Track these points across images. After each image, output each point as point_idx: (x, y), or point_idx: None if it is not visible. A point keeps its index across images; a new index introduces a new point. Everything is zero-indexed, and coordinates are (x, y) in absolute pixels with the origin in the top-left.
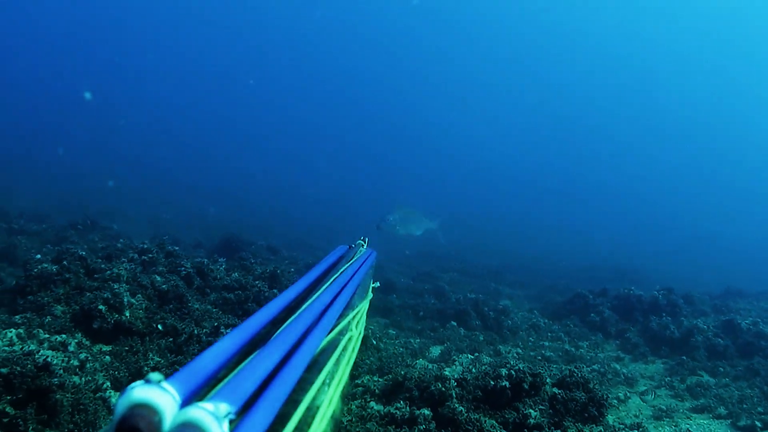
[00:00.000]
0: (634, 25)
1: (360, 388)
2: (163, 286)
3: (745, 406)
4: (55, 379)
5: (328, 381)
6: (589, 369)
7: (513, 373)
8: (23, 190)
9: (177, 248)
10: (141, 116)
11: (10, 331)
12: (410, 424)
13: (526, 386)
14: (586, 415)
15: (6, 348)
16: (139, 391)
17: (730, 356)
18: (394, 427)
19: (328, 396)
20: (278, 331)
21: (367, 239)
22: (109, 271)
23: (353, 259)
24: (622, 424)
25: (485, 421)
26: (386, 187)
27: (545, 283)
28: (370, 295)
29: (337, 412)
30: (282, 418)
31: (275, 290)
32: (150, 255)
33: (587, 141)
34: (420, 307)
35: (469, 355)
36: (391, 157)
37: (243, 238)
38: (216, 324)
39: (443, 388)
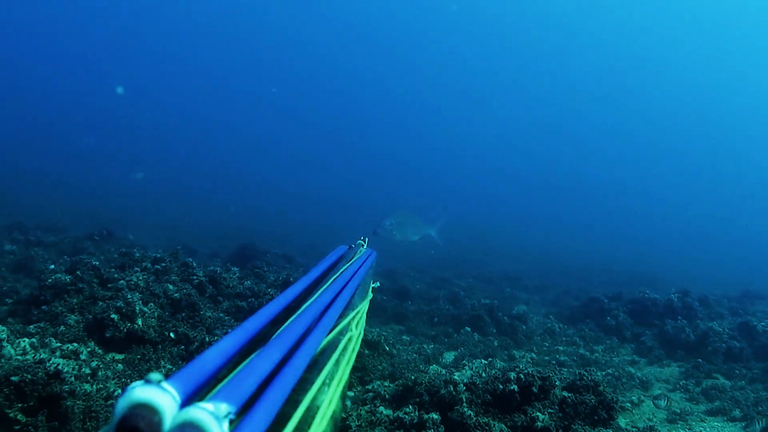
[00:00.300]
0: (640, 23)
1: (370, 394)
2: (176, 295)
3: (760, 408)
4: (66, 387)
5: (328, 381)
6: (603, 373)
7: (522, 377)
8: (40, 202)
9: (190, 258)
10: (149, 124)
11: (24, 341)
12: (419, 429)
13: (535, 390)
14: (596, 417)
15: (19, 357)
16: (139, 391)
17: (746, 359)
18: (402, 431)
19: (328, 396)
20: (278, 331)
21: (367, 239)
22: (122, 281)
23: (353, 259)
24: (635, 427)
25: (494, 425)
26: (394, 189)
27: (562, 287)
28: (371, 295)
29: (338, 412)
30: (282, 418)
31: None
32: (163, 264)
33: (599, 142)
34: (435, 313)
35: (483, 361)
36: (400, 159)
37: (258, 247)
38: (227, 331)
39: (453, 393)
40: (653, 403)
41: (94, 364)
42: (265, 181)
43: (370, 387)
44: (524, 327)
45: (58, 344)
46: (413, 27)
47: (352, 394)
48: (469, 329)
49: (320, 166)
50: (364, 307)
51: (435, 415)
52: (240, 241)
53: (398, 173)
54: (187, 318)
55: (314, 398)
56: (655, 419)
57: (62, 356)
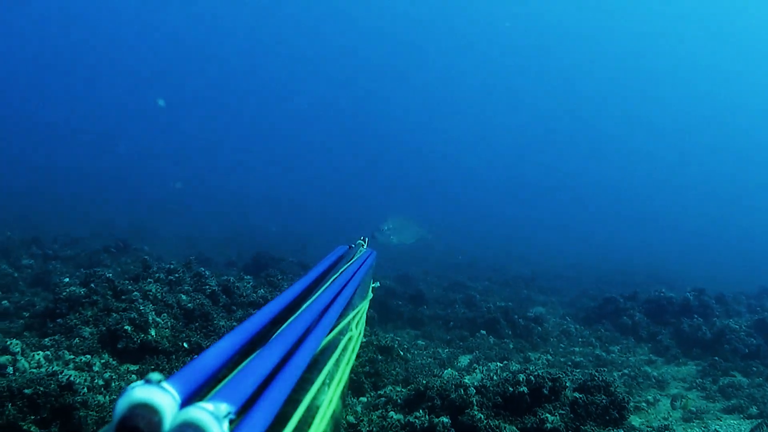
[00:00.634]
0: (635, 24)
1: (383, 399)
2: (189, 305)
3: None
4: (79, 398)
5: (328, 381)
6: (619, 373)
7: (532, 378)
8: (60, 214)
9: (202, 268)
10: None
11: (38, 354)
12: None
13: (545, 391)
14: (607, 417)
15: (34, 370)
16: (139, 391)
17: (763, 356)
18: None
19: (328, 396)
20: (278, 331)
21: (367, 239)
22: (135, 292)
23: (353, 259)
24: (650, 427)
25: (505, 427)
26: (400, 193)
27: (579, 288)
28: (371, 295)
29: (338, 412)
30: (282, 418)
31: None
32: (176, 275)
33: (613, 143)
34: (450, 317)
35: (498, 363)
36: (406, 163)
37: (273, 255)
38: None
39: (463, 396)
40: (671, 404)
41: (107, 375)
42: (279, 188)
43: (382, 392)
44: (540, 329)
45: (71, 356)
46: (409, 31)
47: (365, 399)
48: (484, 332)
49: (325, 172)
50: (364, 306)
51: (445, 419)
52: (256, 249)
53: (404, 177)
54: (201, 328)
55: (314, 398)
56: (670, 418)
57: (75, 368)
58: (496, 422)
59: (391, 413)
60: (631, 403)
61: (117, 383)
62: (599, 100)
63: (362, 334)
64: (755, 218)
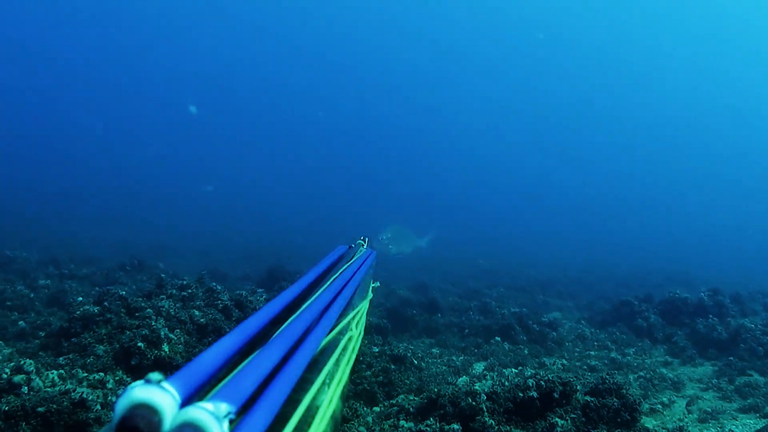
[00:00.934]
0: (633, 25)
1: (395, 408)
2: (202, 320)
3: None
4: (92, 414)
5: (328, 381)
6: (635, 376)
7: (543, 383)
8: (76, 235)
9: (214, 283)
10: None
11: (52, 372)
12: None
13: (556, 395)
14: (619, 420)
15: (49, 389)
16: (139, 391)
17: None
18: None
19: (328, 396)
20: (278, 331)
21: (367, 239)
22: (149, 309)
23: (353, 259)
24: (665, 428)
25: None
26: (410, 201)
27: (596, 292)
28: (371, 294)
29: (338, 412)
30: (282, 418)
31: None
32: (189, 290)
33: (625, 146)
34: (465, 325)
35: (513, 369)
36: (419, 173)
37: (287, 268)
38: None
39: (473, 403)
40: (686, 409)
41: (121, 392)
42: (289, 197)
43: (395, 401)
44: (554, 334)
45: (85, 374)
46: (404, 38)
47: (378, 409)
48: (498, 339)
49: (339, 184)
50: (364, 306)
51: (456, 426)
52: (271, 263)
53: (420, 186)
54: (214, 342)
55: (314, 398)
56: (686, 419)
57: (89, 386)
58: (507, 428)
59: (402, 422)
60: (646, 405)
61: None
62: (610, 104)
63: (362, 334)
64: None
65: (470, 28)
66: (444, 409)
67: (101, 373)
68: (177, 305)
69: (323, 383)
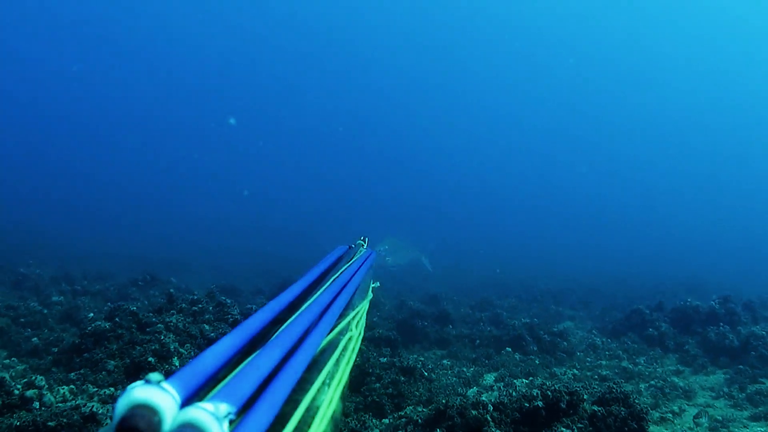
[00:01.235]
0: (633, 26)
1: (403, 420)
2: (212, 334)
3: None
4: (102, 428)
5: (328, 381)
6: (646, 385)
7: (549, 393)
8: (89, 250)
9: (223, 297)
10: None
11: (63, 388)
12: None
13: (563, 405)
14: (626, 429)
15: (60, 404)
16: (139, 392)
17: None
18: None
19: (328, 396)
20: (278, 331)
21: (367, 239)
22: (159, 324)
23: (353, 259)
24: None
25: None
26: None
27: (609, 301)
28: (371, 295)
29: (338, 412)
30: (282, 418)
31: None
32: (200, 305)
33: (637, 155)
34: (476, 336)
35: (524, 380)
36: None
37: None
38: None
39: (479, 414)
40: (694, 422)
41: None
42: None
43: (403, 413)
44: (565, 344)
45: (95, 389)
46: (400, 45)
47: (387, 421)
48: (509, 349)
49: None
50: (364, 307)
51: None
52: (284, 276)
53: (426, 195)
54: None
55: (314, 398)
56: (696, 429)
57: (100, 401)
58: None
59: None
60: (657, 414)
61: None
62: (619, 112)
63: (362, 334)
64: None
65: (470, 31)
66: (452, 420)
67: (112, 388)
68: (187, 320)
69: (323, 383)
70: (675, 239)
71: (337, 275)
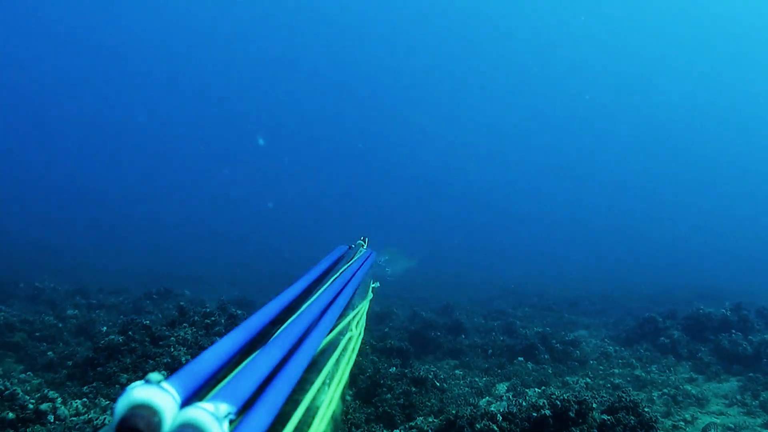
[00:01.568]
0: (633, 26)
1: (414, 430)
2: None
3: None
4: None
5: (328, 381)
6: (659, 393)
7: (558, 402)
8: (105, 265)
9: (234, 308)
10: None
11: (76, 401)
12: None
13: (572, 414)
14: None
15: (74, 418)
16: (139, 392)
17: None
18: None
19: (328, 396)
20: (278, 331)
21: (366, 239)
22: (172, 337)
23: (353, 260)
24: None
25: None
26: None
27: (624, 309)
28: (371, 295)
29: (337, 412)
30: (282, 418)
31: None
32: (212, 318)
33: (649, 166)
34: (489, 345)
35: (536, 389)
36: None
37: None
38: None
39: (486, 425)
40: None
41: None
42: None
43: (414, 423)
44: (578, 352)
45: (108, 402)
46: (396, 51)
47: (398, 431)
48: (522, 359)
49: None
50: (364, 307)
51: None
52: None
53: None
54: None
55: (314, 398)
56: None
57: (112, 414)
58: None
59: None
60: (669, 423)
61: None
62: (627, 119)
63: (362, 334)
64: None
65: (467, 39)
66: (462, 430)
67: None
68: (200, 332)
69: (323, 383)
70: (687, 247)
71: (337, 275)
